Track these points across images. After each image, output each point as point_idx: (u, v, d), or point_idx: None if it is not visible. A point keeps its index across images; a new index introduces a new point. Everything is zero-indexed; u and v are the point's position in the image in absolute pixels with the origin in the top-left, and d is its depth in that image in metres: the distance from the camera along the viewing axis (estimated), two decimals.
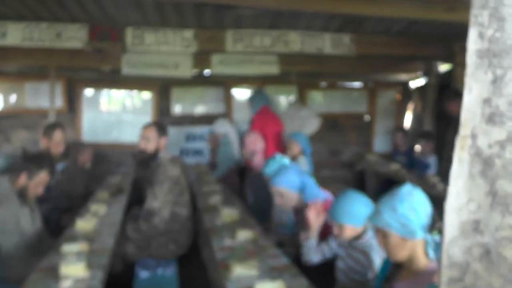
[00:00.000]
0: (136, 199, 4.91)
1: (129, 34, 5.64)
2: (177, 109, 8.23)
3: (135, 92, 8.22)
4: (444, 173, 5.94)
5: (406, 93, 8.64)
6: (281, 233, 4.09)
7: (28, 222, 3.50)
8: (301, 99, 8.22)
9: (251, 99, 6.46)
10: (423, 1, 4.08)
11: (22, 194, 3.47)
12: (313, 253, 3.16)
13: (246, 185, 5.23)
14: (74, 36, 5.53)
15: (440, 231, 2.23)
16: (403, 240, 2.12)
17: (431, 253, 2.12)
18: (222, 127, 6.64)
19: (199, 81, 7.95)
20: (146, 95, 8.18)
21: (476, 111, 0.97)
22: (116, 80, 7.81)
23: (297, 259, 3.23)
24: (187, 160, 7.36)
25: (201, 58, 6.32)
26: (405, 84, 8.62)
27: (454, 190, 0.99)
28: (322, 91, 8.72)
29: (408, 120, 8.61)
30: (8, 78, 7.65)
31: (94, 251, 3.14)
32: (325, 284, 3.02)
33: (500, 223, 0.93)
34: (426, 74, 7.65)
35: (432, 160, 6.46)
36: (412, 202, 2.11)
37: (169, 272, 4.15)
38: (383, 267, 2.42)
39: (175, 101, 8.19)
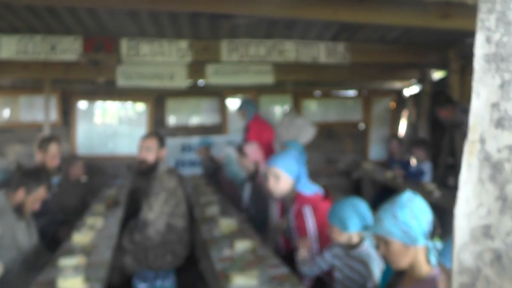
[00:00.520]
0: (132, 211, 4.88)
1: (124, 45, 5.63)
2: (172, 120, 8.22)
3: (129, 103, 8.20)
4: (440, 180, 5.95)
5: (401, 101, 8.67)
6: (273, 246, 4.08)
7: (24, 236, 3.47)
8: (296, 108, 8.23)
9: (245, 107, 6.47)
10: (419, 9, 4.09)
11: (18, 209, 3.43)
12: (309, 267, 3.15)
13: (250, 195, 5.19)
14: (69, 48, 5.52)
15: (441, 237, 2.23)
16: (405, 247, 2.11)
17: (433, 259, 2.11)
18: (221, 151, 6.68)
19: (194, 91, 7.95)
20: (141, 106, 8.17)
21: (484, 116, 0.97)
22: (110, 92, 7.80)
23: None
24: (182, 171, 7.33)
25: (196, 69, 6.32)
26: (399, 92, 8.66)
27: (463, 196, 0.98)
28: (317, 100, 8.74)
29: (403, 128, 8.63)
30: (2, 92, 7.63)
31: (91, 264, 3.10)
32: None
33: (511, 227, 0.92)
34: (420, 81, 7.68)
35: (427, 167, 6.46)
36: (413, 209, 2.10)
37: (168, 283, 4.12)
38: (384, 275, 2.40)
39: (170, 112, 8.19)
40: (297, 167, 3.53)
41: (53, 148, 4.71)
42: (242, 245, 3.39)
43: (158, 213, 4.08)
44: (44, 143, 4.72)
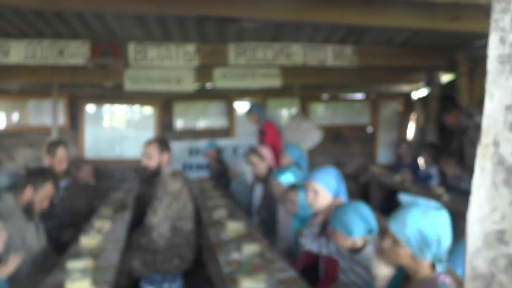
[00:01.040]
0: (140, 214, 4.88)
1: (132, 49, 5.65)
2: (179, 123, 8.22)
3: (137, 107, 8.22)
4: (447, 184, 5.92)
5: (409, 104, 8.62)
6: (281, 247, 4.06)
7: (33, 238, 3.48)
8: (304, 112, 8.20)
9: (257, 111, 6.44)
10: (427, 11, 4.07)
11: (28, 209, 3.45)
12: (310, 240, 3.13)
13: (262, 198, 5.17)
14: (77, 53, 5.54)
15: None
16: (412, 257, 2.09)
17: (440, 268, 2.08)
18: (237, 165, 6.66)
19: (201, 95, 7.95)
20: (148, 110, 8.18)
21: (498, 118, 0.94)
22: (118, 95, 7.82)
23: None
24: (190, 175, 7.35)
25: (203, 72, 6.32)
26: (407, 95, 8.62)
27: (476, 200, 0.96)
28: (325, 103, 8.71)
29: (411, 131, 8.58)
30: (10, 97, 7.67)
31: (99, 267, 3.11)
32: None
33: None
34: (428, 84, 7.64)
35: (434, 171, 6.43)
36: (439, 231, 2.04)
37: (175, 287, 4.10)
38: (392, 280, 2.37)
39: (178, 115, 8.19)
40: (336, 183, 3.47)
41: (61, 152, 4.73)
42: (249, 249, 3.37)
43: (162, 217, 4.08)
44: (52, 147, 4.74)
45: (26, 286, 3.07)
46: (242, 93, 8.06)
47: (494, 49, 0.95)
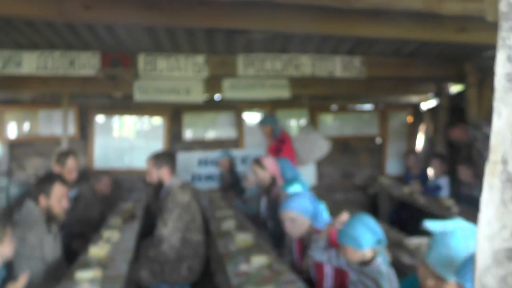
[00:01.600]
0: (149, 225, 4.90)
1: (141, 60, 5.69)
2: (188, 134, 8.25)
3: (146, 118, 8.26)
4: (457, 196, 5.88)
5: (418, 115, 8.60)
6: (289, 258, 4.05)
7: (50, 249, 3.51)
8: (313, 122, 8.19)
9: (271, 122, 6.41)
10: (435, 23, 4.07)
11: (49, 218, 3.49)
12: (319, 252, 3.12)
13: (267, 208, 5.17)
14: (87, 64, 5.59)
15: None
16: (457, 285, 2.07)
17: None
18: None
19: (210, 106, 7.98)
20: (158, 120, 8.22)
21: (506, 136, 0.94)
22: (127, 106, 7.87)
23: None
24: (199, 185, 7.36)
25: (212, 83, 6.35)
26: (416, 106, 8.59)
27: (485, 218, 0.96)
28: (333, 114, 8.71)
29: (420, 142, 8.55)
30: (22, 107, 7.74)
31: (108, 277, 3.12)
32: None
33: None
34: (437, 95, 7.62)
35: (444, 182, 6.39)
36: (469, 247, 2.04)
37: None
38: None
39: (187, 126, 8.22)
40: (311, 206, 3.48)
41: (71, 162, 4.76)
42: (258, 260, 3.37)
43: (172, 228, 4.10)
44: (62, 157, 4.78)
45: None
46: (251, 104, 8.09)
47: (501, 67, 0.95)
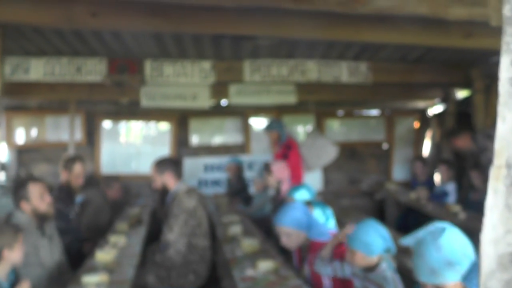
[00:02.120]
0: (156, 230, 4.91)
1: (148, 66, 5.72)
2: (195, 139, 8.27)
3: (153, 123, 8.29)
4: (465, 201, 5.85)
5: (424, 121, 8.57)
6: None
7: (47, 253, 3.51)
8: (319, 128, 8.19)
9: (278, 128, 6.39)
10: (441, 28, 4.07)
11: (40, 219, 3.49)
12: (324, 266, 3.11)
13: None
14: (94, 70, 5.63)
15: None
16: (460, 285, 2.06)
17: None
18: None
19: (216, 111, 8.00)
20: (164, 126, 8.25)
21: (510, 140, 0.94)
22: (134, 112, 7.90)
23: None
24: (205, 191, 7.36)
25: (218, 89, 6.37)
26: (423, 112, 8.57)
27: (489, 222, 0.96)
28: (340, 120, 8.71)
29: (426, 148, 8.52)
30: (29, 113, 7.79)
31: (114, 282, 3.13)
32: None
33: None
34: (444, 101, 7.60)
35: (451, 187, 6.36)
36: (462, 246, 2.04)
37: None
38: None
39: (193, 131, 8.24)
40: (305, 218, 3.46)
41: (78, 168, 4.78)
42: (264, 265, 3.37)
43: (178, 234, 4.11)
44: (69, 162, 4.80)
45: None
46: (257, 110, 8.10)
47: (505, 72, 0.95)
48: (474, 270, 2.10)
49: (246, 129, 8.27)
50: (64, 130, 7.61)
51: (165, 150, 7.91)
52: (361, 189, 8.59)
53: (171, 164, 4.46)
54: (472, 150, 5.74)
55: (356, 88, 6.77)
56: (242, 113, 8.19)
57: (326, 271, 3.11)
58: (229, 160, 7.34)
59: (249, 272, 3.32)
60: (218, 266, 4.64)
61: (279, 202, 4.82)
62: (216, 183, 7.95)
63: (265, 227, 5.20)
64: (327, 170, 8.13)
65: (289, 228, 3.42)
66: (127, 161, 8.06)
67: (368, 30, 4.08)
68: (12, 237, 2.88)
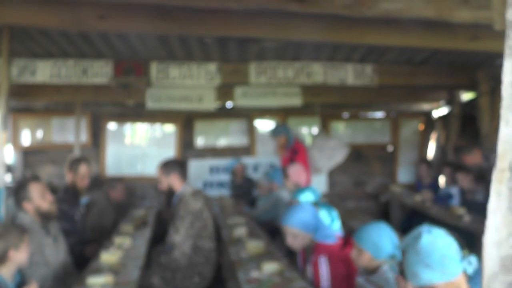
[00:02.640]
0: (161, 232, 4.92)
1: (154, 68, 5.74)
2: (200, 141, 8.28)
3: (158, 125, 8.31)
4: (468, 204, 5.82)
5: (429, 123, 8.56)
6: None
7: (52, 252, 3.52)
8: (325, 130, 8.19)
9: (285, 132, 6.36)
10: (447, 31, 4.07)
11: (43, 218, 3.51)
12: None
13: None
14: (100, 72, 5.65)
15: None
16: (449, 284, 2.05)
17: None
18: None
19: (222, 113, 8.02)
20: (170, 128, 8.27)
21: None
22: (140, 113, 7.93)
23: None
24: (211, 193, 7.37)
25: (224, 91, 6.39)
26: (428, 114, 8.56)
27: (492, 224, 0.96)
28: (345, 122, 8.71)
29: (431, 151, 8.51)
30: (35, 114, 7.84)
31: (119, 283, 3.13)
32: None
33: None
34: (449, 103, 7.60)
35: (455, 190, 6.33)
36: (441, 249, 2.02)
37: None
38: None
39: (198, 133, 8.26)
40: (313, 220, 3.45)
41: (83, 169, 4.79)
42: (269, 267, 3.37)
43: (184, 235, 4.11)
44: (74, 164, 4.81)
45: None
46: (262, 112, 8.12)
47: (508, 75, 0.95)
48: (480, 272, 2.09)
49: (251, 131, 8.27)
50: (70, 132, 7.64)
51: (170, 152, 7.93)
52: (366, 191, 8.58)
53: (176, 165, 4.47)
54: (482, 166, 5.70)
55: (361, 90, 6.78)
56: (248, 115, 8.20)
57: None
58: (233, 162, 7.33)
59: (254, 274, 3.32)
60: (223, 268, 4.64)
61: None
62: (221, 185, 7.96)
63: (270, 230, 5.20)
64: (332, 173, 8.12)
65: (296, 229, 3.42)
66: (132, 163, 8.09)
67: (374, 33, 4.09)
68: (18, 237, 2.90)
